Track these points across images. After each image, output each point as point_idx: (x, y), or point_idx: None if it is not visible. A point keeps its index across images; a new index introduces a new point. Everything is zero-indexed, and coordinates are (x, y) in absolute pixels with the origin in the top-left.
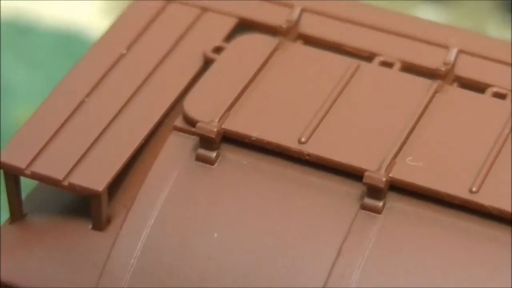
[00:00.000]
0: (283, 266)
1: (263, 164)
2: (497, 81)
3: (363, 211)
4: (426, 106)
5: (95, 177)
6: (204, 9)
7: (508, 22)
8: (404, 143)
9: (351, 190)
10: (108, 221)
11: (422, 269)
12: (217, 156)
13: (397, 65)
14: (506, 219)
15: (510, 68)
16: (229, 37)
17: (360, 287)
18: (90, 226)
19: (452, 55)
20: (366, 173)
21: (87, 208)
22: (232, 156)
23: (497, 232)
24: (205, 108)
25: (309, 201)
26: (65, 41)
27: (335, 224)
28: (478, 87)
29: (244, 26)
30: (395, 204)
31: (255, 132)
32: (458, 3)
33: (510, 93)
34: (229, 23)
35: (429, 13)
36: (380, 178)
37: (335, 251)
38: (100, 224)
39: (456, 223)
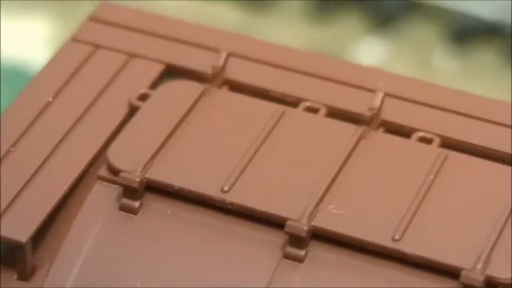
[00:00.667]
0: None
1: (187, 213)
2: (423, 125)
3: (285, 260)
4: (350, 153)
5: (19, 227)
6: (132, 55)
7: (454, 53)
8: (327, 190)
9: (274, 238)
10: (33, 271)
11: None
12: (141, 205)
13: (323, 111)
14: (429, 267)
15: (438, 111)
16: (155, 84)
17: None
18: (16, 277)
19: (378, 100)
20: (288, 222)
21: (13, 257)
22: (155, 205)
23: (419, 279)
24: (129, 157)
25: (232, 250)
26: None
27: (258, 273)
28: (405, 132)
29: (172, 72)
30: (318, 252)
31: (178, 181)
32: (403, 34)
33: (436, 137)
34: (156, 69)
35: (374, 45)
36: (301, 227)
37: None
38: (25, 274)
39: (379, 271)
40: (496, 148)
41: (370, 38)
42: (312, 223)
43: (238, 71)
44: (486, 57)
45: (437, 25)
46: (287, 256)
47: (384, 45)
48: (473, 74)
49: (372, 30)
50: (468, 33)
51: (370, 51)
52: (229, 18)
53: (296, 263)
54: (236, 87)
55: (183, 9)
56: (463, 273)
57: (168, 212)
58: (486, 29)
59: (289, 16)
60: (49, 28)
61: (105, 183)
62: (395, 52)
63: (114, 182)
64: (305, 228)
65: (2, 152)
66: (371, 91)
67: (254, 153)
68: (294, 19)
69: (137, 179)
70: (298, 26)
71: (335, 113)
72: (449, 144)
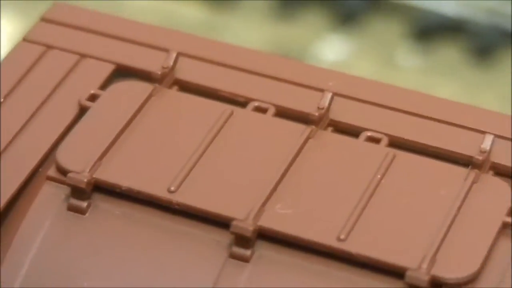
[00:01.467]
0: None
1: (135, 213)
2: (372, 125)
3: (231, 259)
4: (298, 152)
5: None
6: (83, 55)
7: (417, 50)
8: (273, 190)
9: (220, 238)
10: None
11: None
12: (88, 205)
13: (272, 110)
14: (374, 266)
15: (387, 110)
16: (106, 84)
17: None
18: None
19: (326, 100)
20: (233, 222)
21: None
22: (104, 205)
23: (365, 279)
24: (77, 157)
25: (178, 250)
26: None
27: (204, 272)
28: (353, 131)
29: (122, 72)
30: (264, 252)
31: (126, 181)
32: (366, 32)
33: (384, 137)
34: (106, 70)
35: (337, 43)
36: (247, 227)
37: None
38: None
39: (325, 271)
40: (445, 148)
41: (333, 35)
42: (258, 223)
43: (188, 71)
44: (449, 55)
45: (400, 23)
46: (233, 256)
47: (347, 42)
48: (436, 71)
49: (335, 27)
50: (431, 30)
51: (333, 49)
52: (193, 17)
53: (242, 263)
54: (186, 87)
55: (146, 8)
56: (408, 273)
57: (116, 212)
58: (449, 26)
59: (253, 15)
60: (8, 27)
61: (53, 183)
62: (358, 50)
63: (62, 182)
64: (251, 228)
65: None
66: (321, 90)
67: (202, 153)
68: (258, 17)
69: (85, 180)
70: (262, 24)
71: (284, 113)
72: (397, 143)
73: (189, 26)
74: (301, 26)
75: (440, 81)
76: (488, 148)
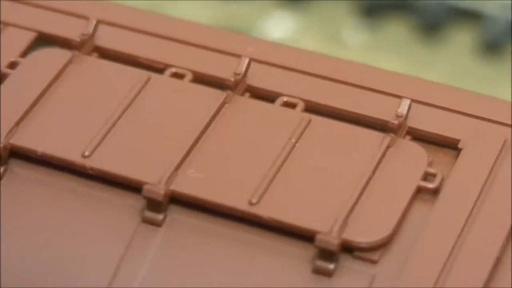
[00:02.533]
0: (64, 279)
1: (50, 179)
2: (288, 90)
3: (144, 224)
4: (213, 118)
5: None
6: (5, 24)
7: (363, 27)
8: (187, 155)
9: (134, 203)
10: None
11: (202, 280)
12: (5, 170)
13: (189, 76)
14: (286, 230)
15: (303, 76)
16: (27, 52)
17: None
18: None
19: (243, 65)
20: (145, 186)
21: None
22: (20, 171)
23: (276, 243)
24: None
25: (91, 214)
26: None
27: (116, 237)
28: (270, 97)
29: (44, 40)
30: (176, 216)
31: (41, 147)
32: (313, 8)
33: (300, 102)
34: (27, 38)
35: (285, 18)
36: (158, 191)
37: (115, 264)
38: None
39: (237, 235)
40: (361, 113)
41: (279, 13)
42: (170, 187)
43: (108, 38)
44: (395, 31)
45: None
46: (146, 220)
47: (294, 19)
48: (382, 48)
49: (281, 5)
50: (377, 7)
51: (280, 26)
52: None
53: (154, 227)
54: (106, 54)
55: None
56: (318, 236)
57: (32, 177)
58: (396, 3)
59: None
60: None
61: None
62: (304, 27)
63: None
64: (162, 192)
65: None
66: (238, 56)
67: (117, 119)
68: None
69: (1, 145)
70: (208, 2)
71: (201, 79)
72: (313, 108)
73: (135, 1)
74: (248, 3)
75: (386, 57)
76: (404, 113)
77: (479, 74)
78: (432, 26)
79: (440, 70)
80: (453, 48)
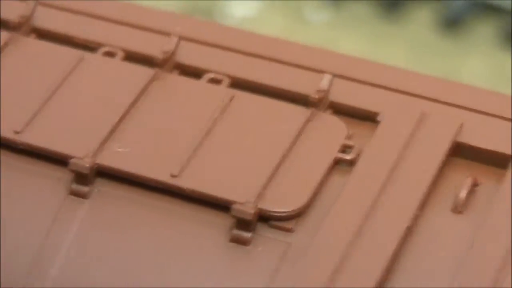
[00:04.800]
0: None
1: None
2: (215, 67)
3: (71, 196)
4: (141, 94)
5: None
6: None
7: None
8: (113, 130)
9: (61, 175)
10: None
11: (123, 248)
12: None
13: (120, 55)
14: (204, 201)
15: (230, 53)
16: None
17: (64, 272)
18: None
19: (172, 43)
20: (71, 160)
21: None
22: None
23: (195, 213)
24: None
25: (20, 187)
26: None
27: (44, 209)
28: (197, 73)
29: None
30: (103, 189)
31: None
32: None
33: (226, 78)
34: None
35: None
36: (83, 164)
37: (41, 236)
38: None
39: (159, 205)
40: (284, 88)
41: None
42: (97, 161)
43: (45, 19)
44: (358, 9)
45: None
46: (72, 193)
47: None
48: (345, 25)
49: None
50: None
51: (242, 5)
52: None
53: (80, 199)
54: (44, 34)
55: None
56: (234, 206)
57: None
58: None
59: None
60: None
61: None
62: (267, 5)
63: None
64: (87, 165)
65: None
66: (167, 35)
67: (50, 96)
68: None
69: None
70: None
71: (132, 57)
72: (238, 84)
73: None
74: None
75: (349, 35)
76: (326, 87)
77: (440, 50)
78: (394, 3)
79: (402, 47)
80: (415, 25)
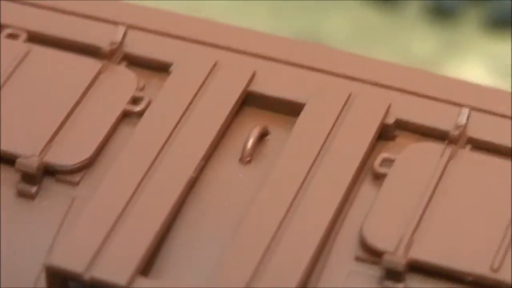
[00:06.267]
0: None
1: None
2: (14, 22)
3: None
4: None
5: None
6: None
7: None
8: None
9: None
10: None
11: None
12: None
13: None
14: None
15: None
16: None
17: None
18: None
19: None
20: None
21: None
22: None
23: None
24: None
25: None
26: None
27: None
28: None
29: None
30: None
31: None
32: None
33: (23, 33)
34: None
35: None
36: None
37: None
38: None
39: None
40: (79, 40)
41: None
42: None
43: None
44: None
45: None
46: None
47: None
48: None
49: None
50: None
51: None
52: None
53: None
54: None
55: None
56: (18, 160)
57: None
58: None
59: None
60: None
61: None
62: None
63: None
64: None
65: None
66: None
67: None
68: None
69: None
70: None
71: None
72: (36, 38)
73: None
74: None
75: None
76: (118, 39)
77: (375, 24)
78: None
79: (339, 23)
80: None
